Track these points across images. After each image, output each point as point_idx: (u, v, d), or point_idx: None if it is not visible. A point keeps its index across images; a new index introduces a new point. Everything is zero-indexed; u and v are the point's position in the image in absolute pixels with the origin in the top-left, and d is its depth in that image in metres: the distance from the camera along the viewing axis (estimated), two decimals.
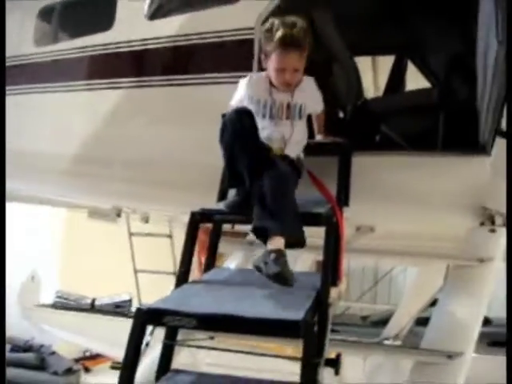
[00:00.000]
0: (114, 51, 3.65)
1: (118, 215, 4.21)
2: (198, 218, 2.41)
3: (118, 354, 6.33)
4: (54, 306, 7.03)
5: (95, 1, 3.87)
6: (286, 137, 2.55)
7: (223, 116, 2.48)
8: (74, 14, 4.02)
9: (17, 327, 9.02)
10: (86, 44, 3.75)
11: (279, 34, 2.44)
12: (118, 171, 3.65)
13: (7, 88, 3.94)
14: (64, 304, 6.95)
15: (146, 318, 1.85)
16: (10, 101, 3.95)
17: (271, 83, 2.60)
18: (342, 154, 2.80)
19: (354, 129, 3.17)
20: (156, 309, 1.86)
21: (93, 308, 6.91)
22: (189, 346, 2.51)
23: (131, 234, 4.84)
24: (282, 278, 1.99)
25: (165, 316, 1.81)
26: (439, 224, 3.03)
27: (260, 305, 1.92)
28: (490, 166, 2.66)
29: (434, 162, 2.93)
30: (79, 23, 3.99)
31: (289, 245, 2.15)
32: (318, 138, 2.87)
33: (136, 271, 5.29)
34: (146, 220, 4.75)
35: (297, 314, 1.74)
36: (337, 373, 2.00)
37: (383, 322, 5.91)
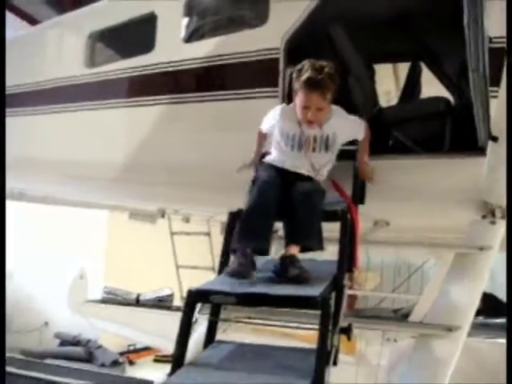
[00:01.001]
0: (155, 71, 4.12)
1: (163, 216, 4.67)
2: None
3: (162, 344, 6.84)
4: (103, 301, 7.55)
5: (138, 26, 4.33)
6: (313, 167, 2.84)
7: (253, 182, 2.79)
8: (120, 39, 4.51)
9: (64, 324, 9.66)
10: (131, 65, 4.23)
11: (306, 75, 2.71)
12: (163, 177, 4.12)
13: (60, 106, 4.49)
14: (111, 299, 7.47)
15: (195, 297, 2.30)
16: (64, 117, 4.49)
17: None
18: (356, 159, 3.19)
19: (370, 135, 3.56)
20: (204, 289, 2.31)
21: (138, 302, 7.41)
22: (229, 320, 2.93)
23: (173, 233, 5.29)
24: (301, 278, 2.40)
25: (211, 295, 2.26)
26: (446, 218, 3.40)
27: (287, 287, 2.35)
28: (487, 163, 3.03)
29: (441, 163, 3.30)
30: (124, 47, 4.48)
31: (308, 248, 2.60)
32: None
33: (178, 267, 5.75)
34: (187, 220, 5.21)
35: (316, 291, 2.17)
36: (349, 338, 2.42)
37: None
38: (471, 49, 2.21)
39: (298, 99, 2.78)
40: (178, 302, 6.37)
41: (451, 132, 3.46)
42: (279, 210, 2.62)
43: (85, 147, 4.40)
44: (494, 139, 2.72)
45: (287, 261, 2.49)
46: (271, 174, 2.78)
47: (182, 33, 4.09)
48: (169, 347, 6.62)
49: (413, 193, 3.38)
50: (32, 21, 9.49)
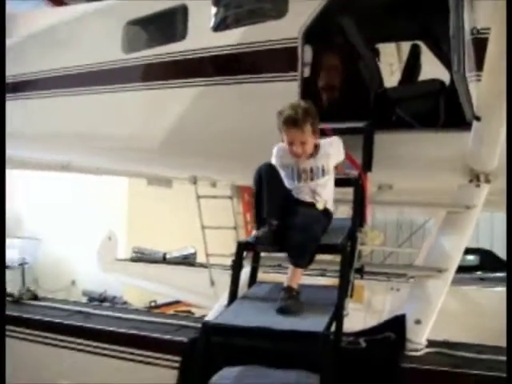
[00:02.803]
0: (187, 57, 4.70)
1: (195, 183, 5.31)
2: None
3: (187, 297, 7.57)
4: (132, 259, 8.26)
5: (173, 16, 4.89)
6: (315, 192, 3.11)
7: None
8: (155, 27, 5.09)
9: (90, 282, 10.41)
10: (166, 51, 4.82)
11: (283, 115, 3.05)
12: (194, 147, 4.73)
13: (103, 87, 5.08)
14: (140, 257, 8.17)
15: (243, 247, 2.98)
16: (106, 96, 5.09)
17: None
18: (366, 132, 3.81)
19: (376, 112, 4.17)
20: (249, 242, 2.99)
21: (165, 260, 8.11)
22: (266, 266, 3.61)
23: (199, 197, 5.93)
24: (286, 311, 2.72)
25: (255, 245, 2.94)
26: (439, 182, 4.05)
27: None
28: (472, 137, 3.65)
29: (435, 136, 3.92)
30: (159, 34, 5.06)
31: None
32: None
33: (203, 227, 6.39)
34: (214, 185, 5.91)
35: (336, 240, 2.86)
36: (362, 277, 3.11)
37: None
38: (455, 55, 2.83)
39: (284, 137, 3.12)
40: (202, 259, 7.03)
41: (445, 110, 4.08)
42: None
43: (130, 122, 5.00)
44: (477, 119, 3.36)
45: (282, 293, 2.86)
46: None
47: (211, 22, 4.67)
48: (193, 300, 7.38)
49: (412, 161, 3.99)
50: None
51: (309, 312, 2.67)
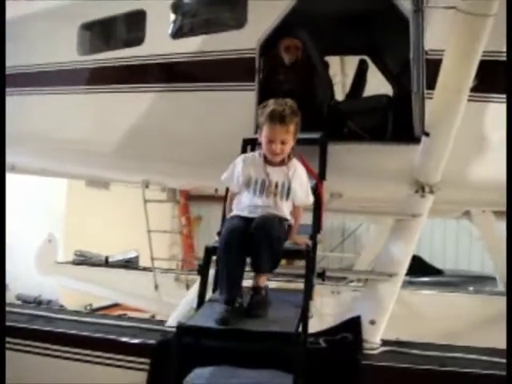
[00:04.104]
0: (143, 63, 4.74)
1: (147, 186, 5.33)
2: None
3: (131, 301, 7.52)
4: (74, 262, 8.11)
5: (129, 20, 4.92)
6: (275, 205, 2.98)
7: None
8: (112, 30, 5.09)
9: (24, 287, 10.10)
10: (122, 56, 4.84)
11: (269, 109, 2.90)
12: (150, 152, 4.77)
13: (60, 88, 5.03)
14: (82, 261, 8.04)
15: (211, 252, 3.08)
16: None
17: (266, 160, 3.01)
18: (321, 144, 4.00)
19: (328, 124, 4.38)
20: (214, 246, 3.08)
21: (107, 263, 8.04)
22: None
23: (146, 201, 5.96)
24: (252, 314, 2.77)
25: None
26: (387, 191, 4.31)
27: None
28: (420, 151, 3.92)
29: (384, 148, 4.18)
30: (116, 38, 5.07)
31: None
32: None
33: (149, 231, 6.42)
34: (163, 189, 5.96)
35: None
36: (323, 279, 3.29)
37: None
38: (414, 75, 3.07)
39: (264, 134, 2.95)
40: (147, 263, 7.03)
41: (393, 123, 4.35)
42: (246, 249, 2.83)
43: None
44: (427, 134, 3.64)
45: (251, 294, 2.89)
46: (233, 222, 2.91)
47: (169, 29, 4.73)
48: (136, 303, 7.36)
49: (362, 171, 4.22)
50: None
51: (277, 314, 2.80)
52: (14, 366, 3.45)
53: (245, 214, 2.94)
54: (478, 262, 12.46)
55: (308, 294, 2.91)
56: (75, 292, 8.59)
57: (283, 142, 2.92)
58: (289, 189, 2.98)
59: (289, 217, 3.05)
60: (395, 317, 3.92)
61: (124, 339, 3.66)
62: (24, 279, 9.75)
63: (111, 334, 3.74)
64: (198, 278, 3.33)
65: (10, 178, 7.71)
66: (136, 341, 3.62)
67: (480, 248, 8.50)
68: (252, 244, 2.79)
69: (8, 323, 3.45)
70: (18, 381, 3.83)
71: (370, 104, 4.54)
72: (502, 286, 6.48)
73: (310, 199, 3.17)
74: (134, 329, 3.85)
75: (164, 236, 6.50)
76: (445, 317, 5.94)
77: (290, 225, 3.05)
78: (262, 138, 2.99)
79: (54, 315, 4.27)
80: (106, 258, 8.05)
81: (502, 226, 5.23)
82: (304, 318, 2.84)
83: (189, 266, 10.90)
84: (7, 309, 3.86)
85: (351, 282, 6.59)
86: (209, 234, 3.09)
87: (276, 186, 2.95)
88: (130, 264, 7.99)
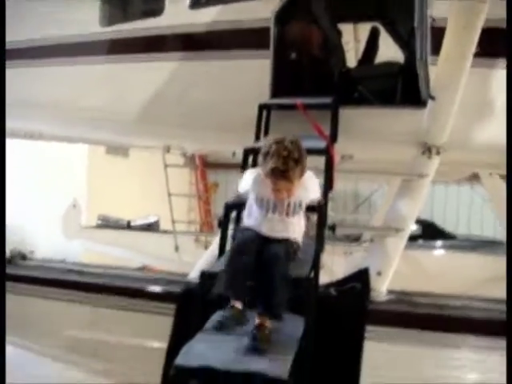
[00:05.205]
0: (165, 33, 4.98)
1: (168, 151, 5.61)
2: None
3: (153, 262, 7.90)
4: (98, 226, 8.48)
5: None
6: (287, 228, 2.92)
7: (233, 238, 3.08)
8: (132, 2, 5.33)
9: (48, 252, 10.50)
10: (143, 26, 5.07)
11: (271, 164, 2.64)
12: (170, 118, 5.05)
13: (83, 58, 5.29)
14: (106, 225, 8.40)
15: (230, 207, 3.35)
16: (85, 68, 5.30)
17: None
18: (332, 108, 4.21)
19: (340, 89, 4.59)
20: (235, 203, 3.36)
21: (129, 227, 8.38)
22: None
23: (166, 166, 6.24)
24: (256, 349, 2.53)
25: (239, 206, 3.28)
26: (396, 153, 4.54)
27: None
28: (427, 114, 4.13)
29: (393, 112, 4.38)
30: (137, 9, 5.30)
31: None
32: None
33: (170, 195, 6.73)
34: (184, 155, 6.24)
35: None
36: (333, 232, 3.56)
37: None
38: (418, 43, 3.28)
39: (268, 182, 2.77)
40: (168, 226, 7.37)
41: (402, 88, 4.54)
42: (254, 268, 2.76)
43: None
44: (432, 98, 3.84)
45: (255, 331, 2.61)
46: (248, 234, 2.86)
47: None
48: (158, 264, 7.72)
49: (372, 134, 4.44)
50: None
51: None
52: (48, 312, 3.85)
53: (257, 228, 2.90)
54: (491, 227, 12.65)
55: (320, 245, 3.16)
56: (99, 257, 9.00)
57: (289, 190, 2.79)
58: (300, 205, 2.94)
59: (300, 231, 3.04)
60: (407, 276, 4.22)
61: (152, 288, 4.02)
62: (48, 244, 10.17)
63: (140, 282, 4.11)
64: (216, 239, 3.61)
65: (35, 145, 8.08)
66: (163, 289, 3.97)
67: (492, 214, 8.68)
68: (264, 276, 2.69)
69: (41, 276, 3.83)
70: (50, 326, 4.24)
71: (381, 70, 4.73)
72: None
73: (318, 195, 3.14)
74: (161, 280, 4.23)
75: (182, 202, 6.80)
76: (455, 276, 6.22)
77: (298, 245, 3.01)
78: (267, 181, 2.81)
79: (84, 269, 4.64)
80: (128, 223, 8.37)
81: None
82: (316, 266, 3.10)
83: (207, 228, 11.27)
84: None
85: (365, 242, 6.86)
86: (225, 200, 3.29)
87: (288, 205, 2.89)
88: (151, 228, 8.31)
